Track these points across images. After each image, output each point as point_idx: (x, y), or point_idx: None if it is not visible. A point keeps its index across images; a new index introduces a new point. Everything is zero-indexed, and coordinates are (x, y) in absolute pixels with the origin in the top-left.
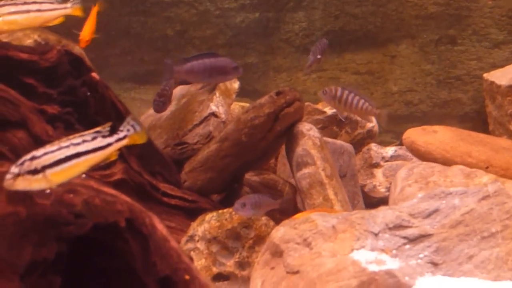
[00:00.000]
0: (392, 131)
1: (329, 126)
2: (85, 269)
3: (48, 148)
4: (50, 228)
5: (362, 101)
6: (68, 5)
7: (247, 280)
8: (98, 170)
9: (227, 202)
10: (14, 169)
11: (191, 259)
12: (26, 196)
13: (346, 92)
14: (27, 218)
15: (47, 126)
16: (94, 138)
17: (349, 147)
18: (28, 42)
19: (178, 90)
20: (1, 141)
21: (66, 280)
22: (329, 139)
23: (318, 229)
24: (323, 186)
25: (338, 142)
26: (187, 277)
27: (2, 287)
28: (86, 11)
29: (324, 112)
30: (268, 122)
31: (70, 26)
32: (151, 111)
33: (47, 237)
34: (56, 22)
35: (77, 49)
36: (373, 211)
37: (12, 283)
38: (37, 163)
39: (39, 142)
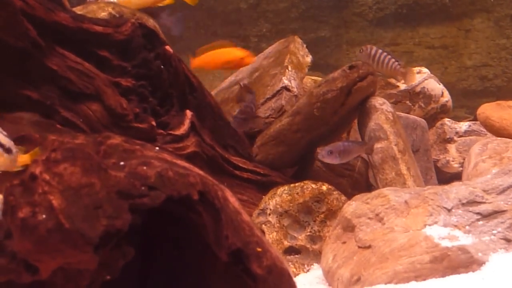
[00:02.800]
0: (466, 106)
1: (402, 100)
2: (158, 241)
3: None
4: (124, 200)
5: (392, 60)
6: None
7: (318, 254)
8: (172, 143)
9: (298, 176)
10: None
11: (263, 232)
12: (101, 168)
13: (379, 51)
14: (101, 189)
15: (121, 99)
16: None
17: (422, 122)
18: (103, 15)
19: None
20: (76, 113)
21: (140, 252)
22: (402, 114)
23: (390, 204)
24: (396, 161)
25: (411, 116)
26: (259, 249)
27: (76, 258)
28: None
29: (397, 87)
30: (341, 96)
31: None
32: (223, 84)
33: (121, 208)
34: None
35: (151, 22)
36: (446, 187)
37: (86, 254)
38: None
39: (113, 114)
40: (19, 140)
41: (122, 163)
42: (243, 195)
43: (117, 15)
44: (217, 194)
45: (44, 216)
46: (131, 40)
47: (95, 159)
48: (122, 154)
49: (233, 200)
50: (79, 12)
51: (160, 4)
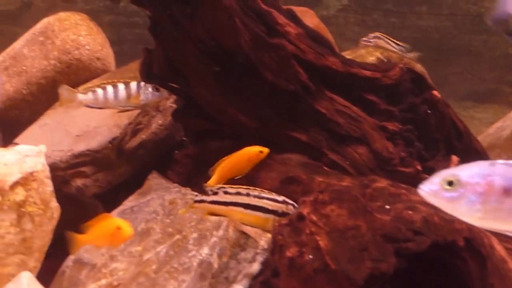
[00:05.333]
0: None
1: None
2: (422, 286)
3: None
4: (389, 244)
5: None
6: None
7: None
8: None
9: None
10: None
11: None
12: (366, 211)
13: None
14: (367, 232)
15: (388, 143)
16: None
17: None
18: (371, 59)
19: None
20: (342, 155)
21: None
22: None
23: None
24: None
25: None
26: None
27: None
28: None
29: None
30: None
31: None
32: (490, 130)
33: (386, 252)
34: None
35: (418, 67)
36: None
37: None
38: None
39: (379, 158)
40: (287, 181)
41: (387, 206)
42: (508, 243)
43: (385, 60)
44: (483, 241)
45: (311, 256)
46: (399, 85)
47: (361, 201)
48: (388, 197)
49: (499, 248)
50: (348, 57)
51: None
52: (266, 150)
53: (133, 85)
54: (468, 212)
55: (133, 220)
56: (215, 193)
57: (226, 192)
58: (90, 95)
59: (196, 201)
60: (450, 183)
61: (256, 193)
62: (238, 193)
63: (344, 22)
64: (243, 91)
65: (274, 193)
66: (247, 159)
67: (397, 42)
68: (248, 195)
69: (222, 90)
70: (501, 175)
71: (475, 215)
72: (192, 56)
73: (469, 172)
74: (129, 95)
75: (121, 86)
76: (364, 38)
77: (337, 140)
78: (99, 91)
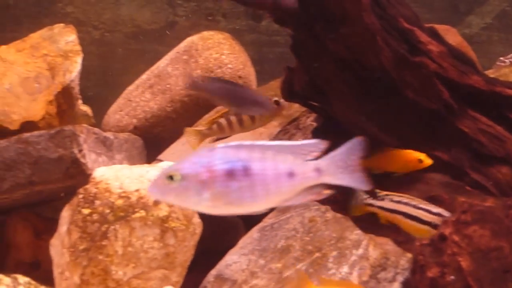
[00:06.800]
0: None
1: None
2: None
3: None
4: None
5: None
6: None
7: None
8: None
9: None
10: None
11: None
12: (510, 232)
13: None
14: (511, 253)
15: None
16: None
17: None
18: None
19: None
20: (486, 176)
21: None
22: None
23: None
24: None
25: None
26: None
27: None
28: None
29: None
30: None
31: None
32: None
33: None
34: None
35: None
36: None
37: None
38: None
39: None
40: (429, 200)
41: None
42: None
43: None
44: None
45: (452, 277)
46: None
47: (504, 222)
48: None
49: None
50: (491, 76)
51: None
52: (426, 160)
53: None
54: (197, 202)
55: (273, 237)
56: (382, 199)
57: (391, 200)
58: (214, 128)
59: (365, 203)
60: (172, 178)
61: (414, 203)
62: (399, 202)
63: (487, 40)
64: (384, 109)
65: (431, 205)
66: (404, 161)
67: None
68: (407, 204)
69: (363, 109)
70: (221, 159)
71: (205, 203)
72: (333, 75)
73: (189, 164)
74: (252, 116)
75: None
76: (501, 58)
77: (480, 159)
78: (222, 121)
